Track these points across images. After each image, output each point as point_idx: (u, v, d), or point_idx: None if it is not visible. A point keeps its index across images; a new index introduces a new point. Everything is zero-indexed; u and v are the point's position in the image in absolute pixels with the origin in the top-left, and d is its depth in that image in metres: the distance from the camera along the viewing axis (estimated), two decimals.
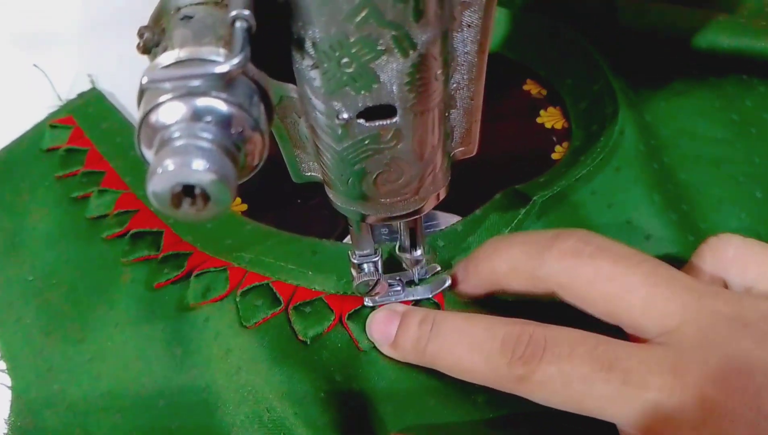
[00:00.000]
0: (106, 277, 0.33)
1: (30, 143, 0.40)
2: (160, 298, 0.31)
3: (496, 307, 0.28)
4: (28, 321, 0.33)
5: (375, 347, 0.28)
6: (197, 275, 0.31)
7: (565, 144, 0.36)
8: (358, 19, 0.16)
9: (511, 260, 0.25)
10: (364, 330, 0.29)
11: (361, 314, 0.29)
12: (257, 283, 0.30)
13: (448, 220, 0.33)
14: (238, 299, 0.30)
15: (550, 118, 0.37)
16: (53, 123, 0.40)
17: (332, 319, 0.29)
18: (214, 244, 0.33)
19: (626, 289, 0.23)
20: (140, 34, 0.17)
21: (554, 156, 0.35)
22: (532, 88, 0.39)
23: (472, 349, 0.24)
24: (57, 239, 0.35)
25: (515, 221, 0.30)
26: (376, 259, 0.28)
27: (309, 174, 0.24)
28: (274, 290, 0.30)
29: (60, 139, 0.39)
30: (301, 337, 0.29)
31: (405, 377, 0.28)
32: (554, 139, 0.36)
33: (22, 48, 0.46)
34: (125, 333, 0.31)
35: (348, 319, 0.29)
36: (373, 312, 0.29)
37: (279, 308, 0.29)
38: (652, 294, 0.22)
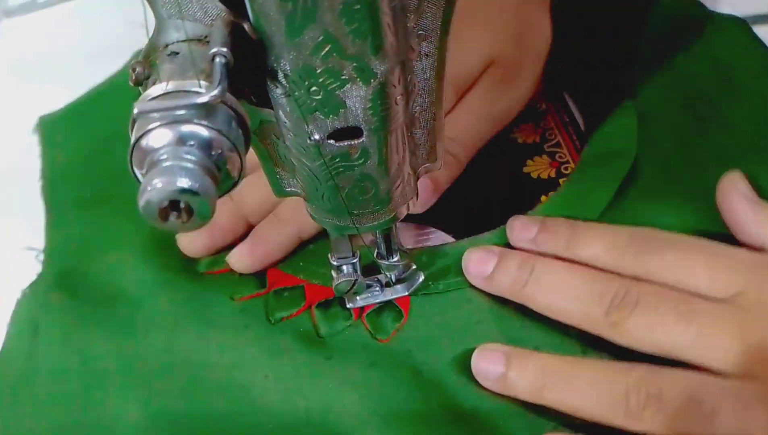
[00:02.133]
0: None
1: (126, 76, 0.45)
2: (178, 253, 0.35)
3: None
4: (74, 226, 0.38)
5: (334, 335, 0.31)
6: None
7: (551, 193, 0.36)
8: (323, 53, 0.19)
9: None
10: (327, 319, 0.31)
11: (330, 305, 0.32)
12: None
13: (442, 238, 0.35)
14: (236, 276, 0.33)
15: (537, 168, 0.38)
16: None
17: (302, 305, 0.32)
18: None
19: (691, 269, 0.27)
20: (132, 69, 0.20)
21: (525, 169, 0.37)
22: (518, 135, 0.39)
23: (572, 296, 0.28)
24: (124, 170, 0.39)
25: None
26: (355, 260, 0.30)
27: (289, 189, 0.26)
28: (266, 275, 0.33)
29: None
30: (269, 317, 0.32)
31: (357, 366, 0.30)
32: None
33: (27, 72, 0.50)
34: (139, 263, 0.34)
35: (317, 307, 0.32)
36: (469, 250, 0.32)
37: (263, 290, 0.33)
38: (714, 269, 0.27)
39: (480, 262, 0.31)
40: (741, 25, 0.41)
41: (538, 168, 0.37)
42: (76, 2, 0.56)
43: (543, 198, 0.36)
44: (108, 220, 0.37)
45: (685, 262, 0.28)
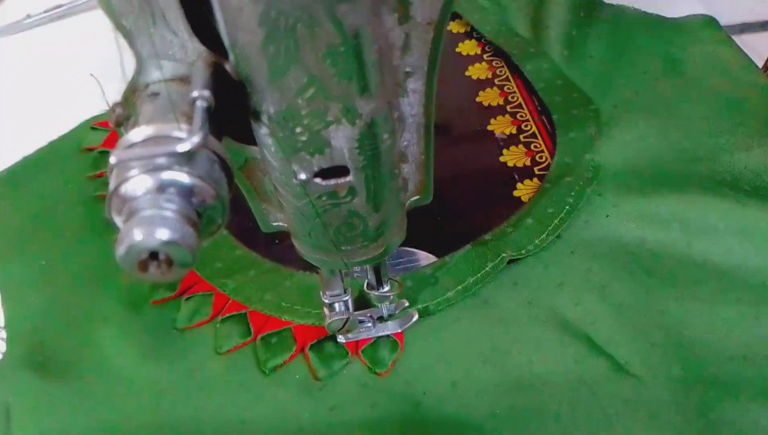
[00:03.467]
0: (109, 274, 0.35)
1: (72, 141, 0.43)
2: (150, 311, 0.34)
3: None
4: (32, 299, 0.35)
5: (333, 376, 0.30)
6: (187, 299, 0.33)
7: (527, 181, 0.38)
8: (307, 95, 0.18)
9: None
10: (323, 360, 0.31)
11: (323, 345, 0.31)
12: (235, 313, 0.32)
13: (425, 257, 0.35)
14: (217, 326, 0.32)
15: (513, 157, 0.39)
16: (94, 125, 0.44)
17: (294, 349, 0.31)
18: (205, 266, 0.35)
19: None
20: (112, 110, 0.19)
21: (516, 193, 0.37)
22: (496, 127, 0.41)
23: None
24: (74, 232, 0.38)
25: (481, 272, 0.32)
26: (347, 298, 0.29)
27: (276, 224, 0.25)
28: (248, 320, 0.32)
29: (97, 141, 0.43)
30: (262, 368, 0.31)
31: (360, 409, 0.29)
32: (516, 177, 0.38)
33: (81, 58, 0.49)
34: (112, 329, 0.33)
35: (310, 349, 0.31)
36: None
37: (249, 338, 0.32)
38: None
39: None
40: (706, 24, 0.42)
41: (514, 157, 0.39)
42: (66, 21, 0.56)
43: (519, 185, 0.38)
44: (68, 291, 0.35)
45: None
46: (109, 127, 0.43)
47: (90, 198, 0.40)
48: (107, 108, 0.46)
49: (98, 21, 0.54)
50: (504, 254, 0.32)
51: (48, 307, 0.35)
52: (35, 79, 0.51)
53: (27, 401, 0.31)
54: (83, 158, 0.42)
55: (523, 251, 0.33)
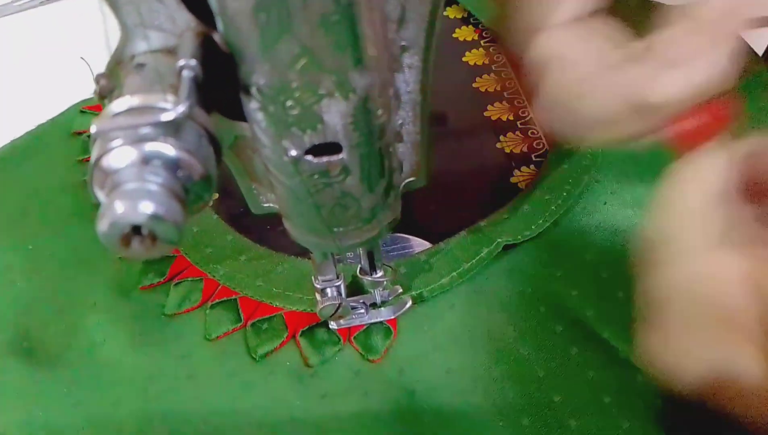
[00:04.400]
0: (97, 259, 0.35)
1: (61, 126, 0.42)
2: (139, 297, 0.33)
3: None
4: (19, 284, 0.34)
5: (324, 363, 0.30)
6: (176, 284, 0.33)
7: (524, 169, 0.37)
8: (299, 66, 0.17)
9: None
10: (315, 347, 0.30)
11: (314, 332, 0.30)
12: (225, 298, 0.32)
13: (419, 244, 0.35)
14: (207, 312, 0.31)
15: (510, 144, 0.39)
16: (84, 109, 0.43)
17: (285, 336, 0.30)
18: (195, 250, 0.34)
19: None
20: (96, 81, 0.18)
21: (513, 180, 0.37)
22: (493, 113, 0.41)
23: None
24: (63, 218, 0.37)
25: (476, 258, 0.32)
26: (339, 283, 0.29)
27: (267, 205, 0.25)
28: (239, 306, 0.31)
29: (86, 125, 0.42)
30: (252, 354, 0.30)
31: (353, 397, 0.29)
32: (513, 163, 0.37)
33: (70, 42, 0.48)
34: (100, 315, 0.32)
35: (301, 335, 0.30)
36: None
37: (240, 324, 0.31)
38: None
39: None
40: None
41: (511, 144, 0.39)
42: (54, 6, 0.55)
43: (516, 172, 0.37)
44: (56, 277, 0.35)
45: None
46: (99, 110, 0.42)
47: (79, 183, 0.39)
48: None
49: (87, 5, 0.53)
50: (499, 240, 0.32)
51: (35, 293, 0.34)
52: (23, 64, 0.50)
53: (13, 387, 0.30)
54: (72, 143, 0.41)
55: (519, 237, 0.32)
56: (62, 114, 0.43)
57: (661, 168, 0.34)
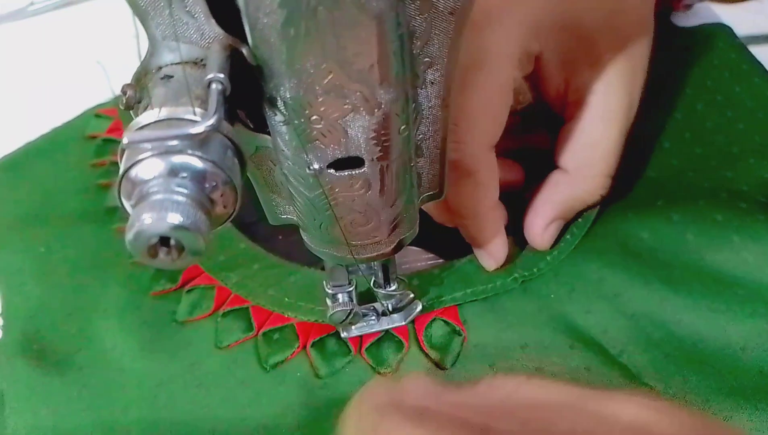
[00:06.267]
0: (109, 264, 0.35)
1: (75, 129, 0.42)
2: (150, 303, 0.33)
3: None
4: (30, 287, 0.34)
5: (334, 374, 0.30)
6: (188, 291, 0.33)
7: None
8: (325, 81, 0.18)
9: None
10: (325, 358, 0.30)
11: (325, 342, 0.30)
12: (237, 307, 0.32)
13: (430, 258, 0.35)
14: (218, 320, 0.32)
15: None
16: (99, 112, 0.43)
17: (296, 346, 0.30)
18: (208, 258, 0.34)
19: None
20: (123, 92, 0.18)
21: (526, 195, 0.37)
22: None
23: None
24: (75, 221, 0.37)
25: (490, 285, 0.32)
26: (351, 289, 0.29)
27: (285, 216, 0.25)
28: (251, 315, 0.31)
29: (101, 128, 0.42)
30: (263, 364, 0.30)
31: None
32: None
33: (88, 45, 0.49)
34: (111, 320, 0.32)
35: (312, 346, 0.30)
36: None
37: (251, 333, 0.31)
38: None
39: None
40: (720, 32, 0.41)
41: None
42: (69, 9, 0.55)
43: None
44: (67, 280, 0.34)
45: None
46: (114, 114, 0.43)
47: (92, 186, 0.39)
48: (112, 96, 0.45)
49: (102, 10, 0.53)
50: (516, 275, 0.32)
51: (46, 296, 0.34)
52: (38, 67, 0.50)
53: (22, 389, 0.30)
54: (86, 146, 0.41)
55: (534, 270, 0.32)
56: (77, 117, 0.43)
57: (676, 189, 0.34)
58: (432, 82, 0.21)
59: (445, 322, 0.31)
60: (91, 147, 0.41)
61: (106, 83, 0.44)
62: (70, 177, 0.40)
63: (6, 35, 0.53)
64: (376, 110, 0.19)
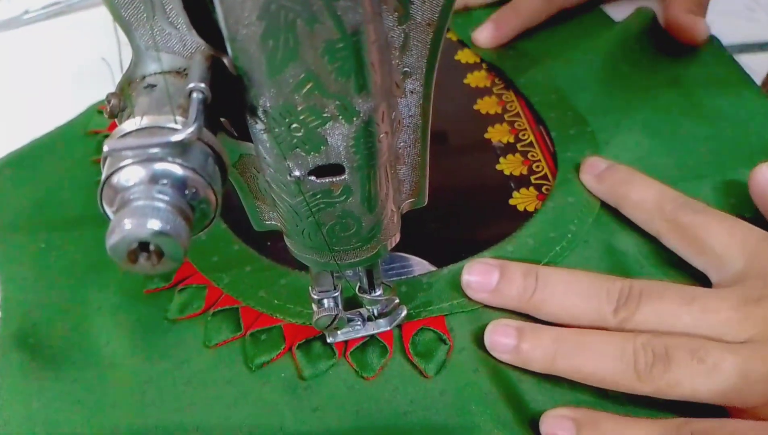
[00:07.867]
0: (106, 261, 0.34)
1: (79, 125, 0.43)
2: (143, 301, 0.33)
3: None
4: (29, 281, 0.35)
5: (318, 376, 0.30)
6: (180, 290, 0.33)
7: (523, 190, 0.37)
8: (304, 91, 0.18)
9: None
10: (310, 360, 0.30)
11: (311, 345, 0.31)
12: (227, 307, 0.32)
13: (418, 263, 0.35)
14: (208, 320, 0.32)
15: (509, 165, 0.39)
16: (101, 108, 0.43)
17: (282, 347, 0.31)
18: (202, 258, 0.35)
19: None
20: (108, 100, 0.19)
21: (512, 202, 0.37)
22: (493, 135, 0.41)
23: (581, 299, 0.29)
24: (76, 217, 0.38)
25: None
26: (336, 294, 0.29)
27: (269, 223, 0.25)
28: (240, 315, 0.32)
29: (103, 125, 0.42)
30: (249, 364, 0.30)
31: (344, 413, 0.29)
32: (512, 185, 0.38)
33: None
34: (105, 317, 0.33)
35: (297, 348, 0.30)
36: (466, 265, 0.31)
37: (239, 333, 0.31)
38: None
39: (483, 275, 0.31)
40: (708, 43, 0.43)
41: (511, 166, 0.40)
42: (64, 18, 0.56)
43: (515, 194, 0.38)
44: (65, 276, 0.35)
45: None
46: None
47: (93, 182, 0.39)
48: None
49: (95, 18, 0.54)
50: None
51: (44, 291, 0.35)
52: (32, 76, 0.50)
53: (15, 382, 0.31)
54: (88, 142, 0.42)
55: None
56: (80, 115, 0.44)
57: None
58: (412, 92, 0.21)
59: (431, 330, 0.31)
60: (93, 143, 0.42)
61: (110, 79, 0.45)
62: (72, 173, 0.40)
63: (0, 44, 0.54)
64: (354, 119, 0.19)
